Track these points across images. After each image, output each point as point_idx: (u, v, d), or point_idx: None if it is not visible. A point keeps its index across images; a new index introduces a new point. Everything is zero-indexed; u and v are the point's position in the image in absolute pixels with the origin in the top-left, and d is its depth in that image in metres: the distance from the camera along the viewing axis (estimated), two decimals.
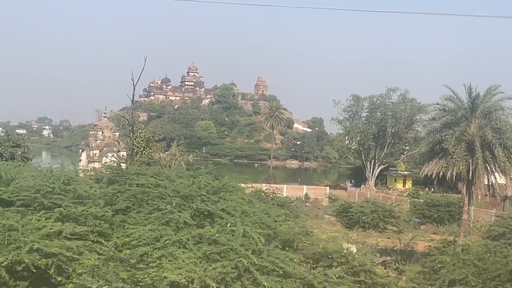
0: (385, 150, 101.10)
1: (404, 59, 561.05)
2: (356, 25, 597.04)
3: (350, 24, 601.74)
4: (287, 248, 15.75)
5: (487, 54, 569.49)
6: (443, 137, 31.97)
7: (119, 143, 53.73)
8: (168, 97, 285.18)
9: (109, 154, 45.70)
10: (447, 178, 32.26)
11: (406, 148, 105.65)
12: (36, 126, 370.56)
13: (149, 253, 13.76)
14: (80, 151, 54.64)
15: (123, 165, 24.82)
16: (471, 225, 46.65)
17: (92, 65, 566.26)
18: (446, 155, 32.03)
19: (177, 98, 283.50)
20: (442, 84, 37.04)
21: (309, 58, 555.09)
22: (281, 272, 13.36)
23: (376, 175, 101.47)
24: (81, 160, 51.54)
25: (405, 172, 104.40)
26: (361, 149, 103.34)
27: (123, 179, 20.30)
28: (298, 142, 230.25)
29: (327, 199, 71.42)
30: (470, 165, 31.33)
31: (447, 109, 33.17)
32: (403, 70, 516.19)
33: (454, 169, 31.44)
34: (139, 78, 52.45)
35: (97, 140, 52.27)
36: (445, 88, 33.30)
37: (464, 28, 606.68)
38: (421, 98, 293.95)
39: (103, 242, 14.71)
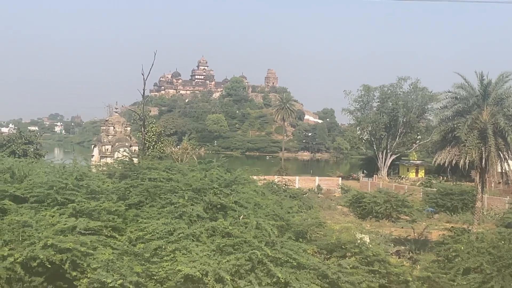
0: (397, 139, 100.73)
1: (416, 49, 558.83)
2: (366, 15, 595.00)
3: (361, 14, 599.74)
4: (300, 240, 15.74)
5: (499, 41, 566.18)
6: (455, 125, 31.79)
7: (130, 138, 53.83)
8: (179, 91, 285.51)
9: (121, 149, 45.75)
10: (460, 166, 32.08)
11: (418, 137, 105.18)
12: (48, 123, 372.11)
13: (163, 246, 13.80)
14: (92, 147, 54.81)
15: (135, 160, 24.86)
16: (485, 213, 46.46)
17: (102, 61, 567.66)
18: (458, 143, 31.85)
19: (188, 92, 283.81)
20: (453, 71, 36.80)
21: (320, 49, 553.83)
22: (295, 264, 13.36)
23: (388, 165, 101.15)
24: (93, 155, 51.70)
25: (418, 162, 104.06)
26: (372, 139, 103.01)
27: (136, 174, 20.35)
28: (310, 134, 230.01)
29: (340, 190, 71.27)
30: (483, 152, 31.14)
31: (459, 97, 32.96)
32: (414, 59, 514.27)
33: (467, 157, 31.26)
34: (149, 72, 52.75)
35: (108, 135, 52.38)
36: (456, 76, 33.08)
37: (477, 15, 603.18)
38: (433, 86, 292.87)
39: (117, 236, 14.77)
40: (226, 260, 12.87)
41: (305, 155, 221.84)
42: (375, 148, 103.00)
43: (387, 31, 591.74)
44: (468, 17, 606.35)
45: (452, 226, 32.80)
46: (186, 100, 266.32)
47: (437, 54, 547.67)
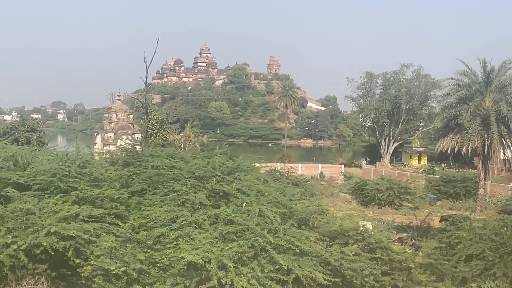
0: (399, 127, 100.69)
1: (419, 35, 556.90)
2: (370, 0, 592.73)
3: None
4: (303, 227, 15.76)
5: (503, 28, 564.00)
6: (458, 112, 31.76)
7: (133, 125, 53.78)
8: (181, 79, 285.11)
9: (124, 137, 45.72)
10: (463, 153, 32.08)
11: (421, 124, 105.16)
12: (50, 111, 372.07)
13: (166, 234, 13.83)
14: (95, 134, 54.75)
15: (138, 148, 24.87)
16: (487, 200, 46.51)
17: (105, 48, 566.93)
18: (461, 130, 31.83)
19: (190, 79, 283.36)
20: (456, 58, 36.72)
21: (323, 35, 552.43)
22: (298, 251, 13.38)
23: (391, 152, 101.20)
24: (96, 143, 51.66)
25: (420, 149, 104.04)
26: (375, 126, 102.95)
27: (138, 162, 20.38)
28: (312, 121, 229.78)
29: (342, 177, 71.32)
30: (486, 139, 31.12)
31: (461, 84, 32.91)
32: (417, 46, 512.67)
33: (470, 144, 31.25)
34: (151, 60, 52.78)
35: (111, 123, 52.32)
36: (459, 63, 33.02)
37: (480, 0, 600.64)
38: (435, 73, 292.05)
39: (120, 224, 14.80)
40: (228, 247, 12.89)
41: (308, 143, 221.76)
42: (377, 135, 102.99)
43: (391, 17, 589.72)
44: (472, 2, 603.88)
45: (448, 215, 32.85)
46: (189, 88, 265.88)
47: (440, 41, 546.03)
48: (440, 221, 33.97)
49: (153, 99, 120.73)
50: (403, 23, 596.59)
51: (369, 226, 22.72)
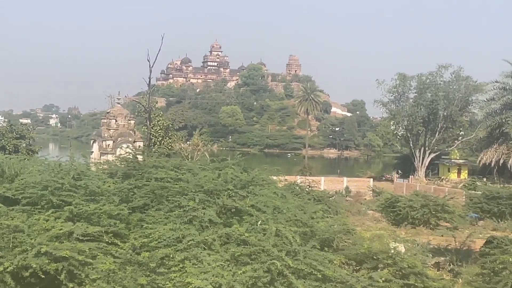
0: (436, 135, 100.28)
1: (458, 34, 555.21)
2: None
3: None
4: (326, 249, 15.73)
5: None
6: (503, 120, 31.69)
7: (134, 132, 54.00)
8: (189, 80, 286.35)
9: (124, 145, 45.97)
10: (509, 166, 31.94)
11: (461, 133, 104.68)
12: (42, 115, 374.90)
13: (171, 255, 13.83)
14: (91, 142, 55.01)
15: (140, 157, 24.95)
16: None
17: (102, 45, 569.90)
18: (507, 140, 31.74)
19: (199, 80, 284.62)
20: (501, 59, 36.60)
21: (349, 32, 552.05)
22: (320, 276, 13.34)
23: (426, 164, 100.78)
24: (92, 152, 51.93)
25: (460, 161, 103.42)
26: (409, 135, 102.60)
27: (140, 173, 20.43)
28: (337, 128, 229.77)
29: (371, 192, 71.14)
30: None
31: (508, 87, 32.80)
32: (456, 44, 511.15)
33: None
34: (156, 58, 53.01)
35: (110, 129, 52.58)
36: (505, 64, 32.91)
37: None
38: (478, 75, 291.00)
39: (119, 243, 14.82)
40: (241, 271, 12.88)
41: (332, 153, 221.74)
42: (411, 145, 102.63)
43: (425, 13, 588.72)
44: None
45: (492, 237, 32.66)
46: (197, 90, 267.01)
47: (483, 40, 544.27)
48: (484, 244, 33.74)
49: (157, 102, 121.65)
50: (441, 19, 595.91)
51: (401, 248, 22.63)
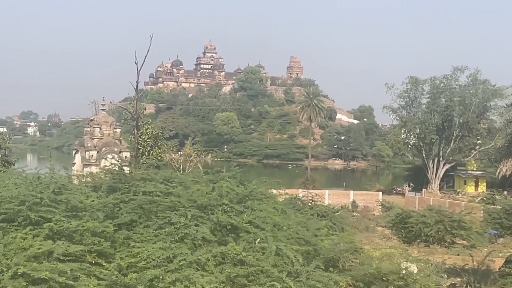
0: (451, 145, 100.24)
1: (471, 34, 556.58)
2: None
3: None
4: (331, 269, 15.74)
5: None
6: None
7: (121, 141, 53.92)
8: (180, 84, 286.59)
9: (109, 156, 45.91)
10: None
11: (478, 142, 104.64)
12: (19, 123, 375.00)
13: (161, 277, 13.82)
14: (73, 153, 54.94)
15: (126, 169, 24.97)
16: None
17: (85, 46, 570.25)
18: None
19: (191, 84, 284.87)
20: None
21: (355, 31, 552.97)
22: None
23: (440, 176, 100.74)
24: (74, 163, 51.85)
25: (477, 172, 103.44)
26: (421, 144, 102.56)
27: (127, 187, 20.44)
28: (343, 137, 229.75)
29: (380, 207, 71.11)
30: None
31: None
32: (470, 46, 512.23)
33: None
34: (144, 60, 52.68)
35: (94, 138, 52.52)
36: None
37: None
38: (496, 79, 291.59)
39: (104, 264, 14.80)
40: None
41: (337, 164, 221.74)
42: (424, 155, 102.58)
43: (437, 12, 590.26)
44: None
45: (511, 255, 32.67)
46: (190, 95, 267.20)
47: (503, 38, 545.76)
48: (504, 263, 33.75)
49: (145, 109, 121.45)
50: (454, 17, 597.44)
51: (414, 268, 22.62)
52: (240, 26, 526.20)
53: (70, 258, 14.61)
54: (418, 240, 44.28)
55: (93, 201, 18.53)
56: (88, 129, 53.67)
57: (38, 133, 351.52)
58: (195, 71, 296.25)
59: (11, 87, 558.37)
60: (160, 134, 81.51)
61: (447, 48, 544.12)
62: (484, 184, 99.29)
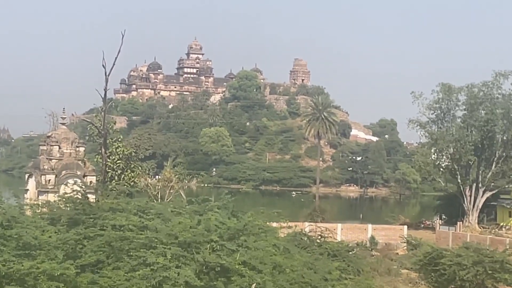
0: (492, 168, 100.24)
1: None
2: None
3: None
4: None
5: None
6: None
7: (85, 163, 54.03)
8: (159, 92, 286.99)
9: (70, 181, 45.98)
10: None
11: None
12: None
13: None
14: (26, 177, 54.97)
15: (92, 197, 24.96)
16: None
17: (43, 48, 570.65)
18: None
19: (172, 93, 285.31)
20: None
21: (374, 30, 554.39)
22: None
23: (480, 206, 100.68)
24: (27, 190, 51.88)
25: None
26: (456, 166, 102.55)
27: (92, 219, 20.44)
28: (359, 158, 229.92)
29: (405, 244, 71.14)
30: None
31: None
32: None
33: None
34: (114, 63, 52.95)
35: (51, 159, 52.57)
36: None
37: None
38: None
39: None
40: None
41: (352, 191, 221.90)
42: (459, 180, 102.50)
43: (472, 6, 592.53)
44: None
45: None
46: (170, 106, 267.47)
47: None
48: None
49: (115, 123, 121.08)
50: (486, 13, 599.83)
51: None
52: (232, 20, 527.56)
53: None
54: (452, 286, 44.32)
55: (50, 236, 18.52)
56: (45, 147, 53.71)
57: None
58: (176, 76, 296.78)
59: None
60: (133, 154, 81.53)
61: (487, 49, 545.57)
62: None
